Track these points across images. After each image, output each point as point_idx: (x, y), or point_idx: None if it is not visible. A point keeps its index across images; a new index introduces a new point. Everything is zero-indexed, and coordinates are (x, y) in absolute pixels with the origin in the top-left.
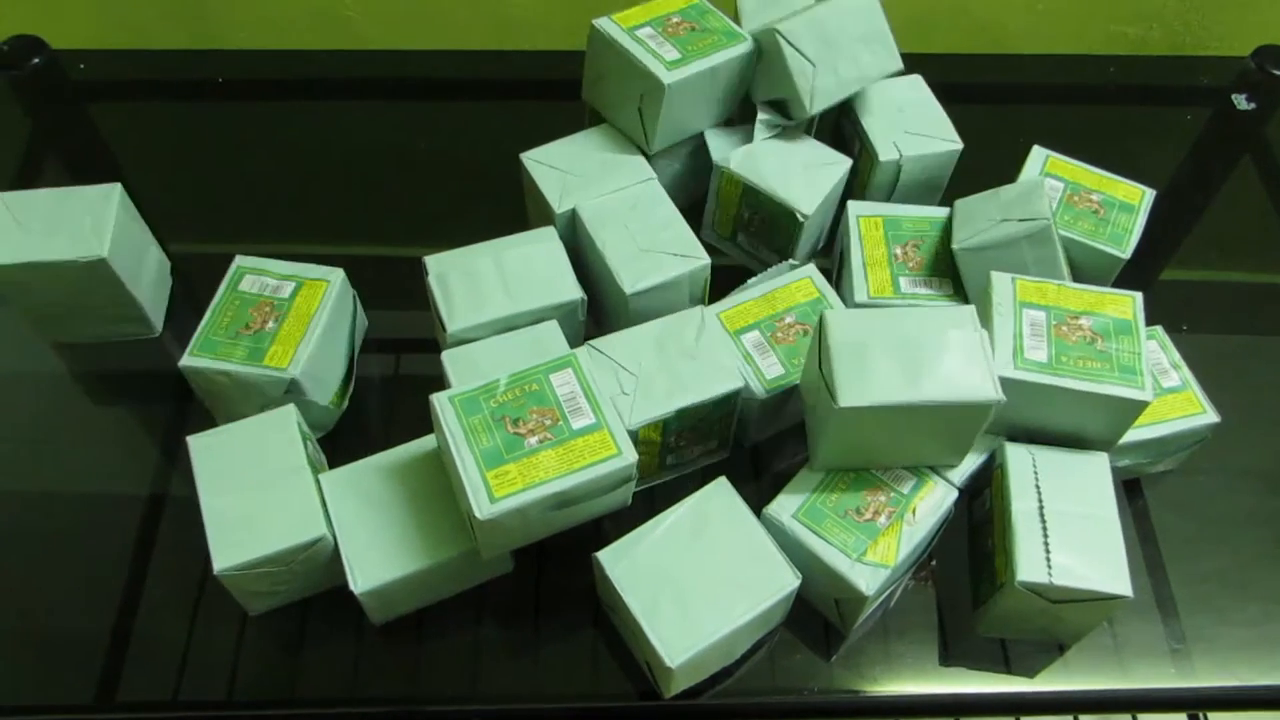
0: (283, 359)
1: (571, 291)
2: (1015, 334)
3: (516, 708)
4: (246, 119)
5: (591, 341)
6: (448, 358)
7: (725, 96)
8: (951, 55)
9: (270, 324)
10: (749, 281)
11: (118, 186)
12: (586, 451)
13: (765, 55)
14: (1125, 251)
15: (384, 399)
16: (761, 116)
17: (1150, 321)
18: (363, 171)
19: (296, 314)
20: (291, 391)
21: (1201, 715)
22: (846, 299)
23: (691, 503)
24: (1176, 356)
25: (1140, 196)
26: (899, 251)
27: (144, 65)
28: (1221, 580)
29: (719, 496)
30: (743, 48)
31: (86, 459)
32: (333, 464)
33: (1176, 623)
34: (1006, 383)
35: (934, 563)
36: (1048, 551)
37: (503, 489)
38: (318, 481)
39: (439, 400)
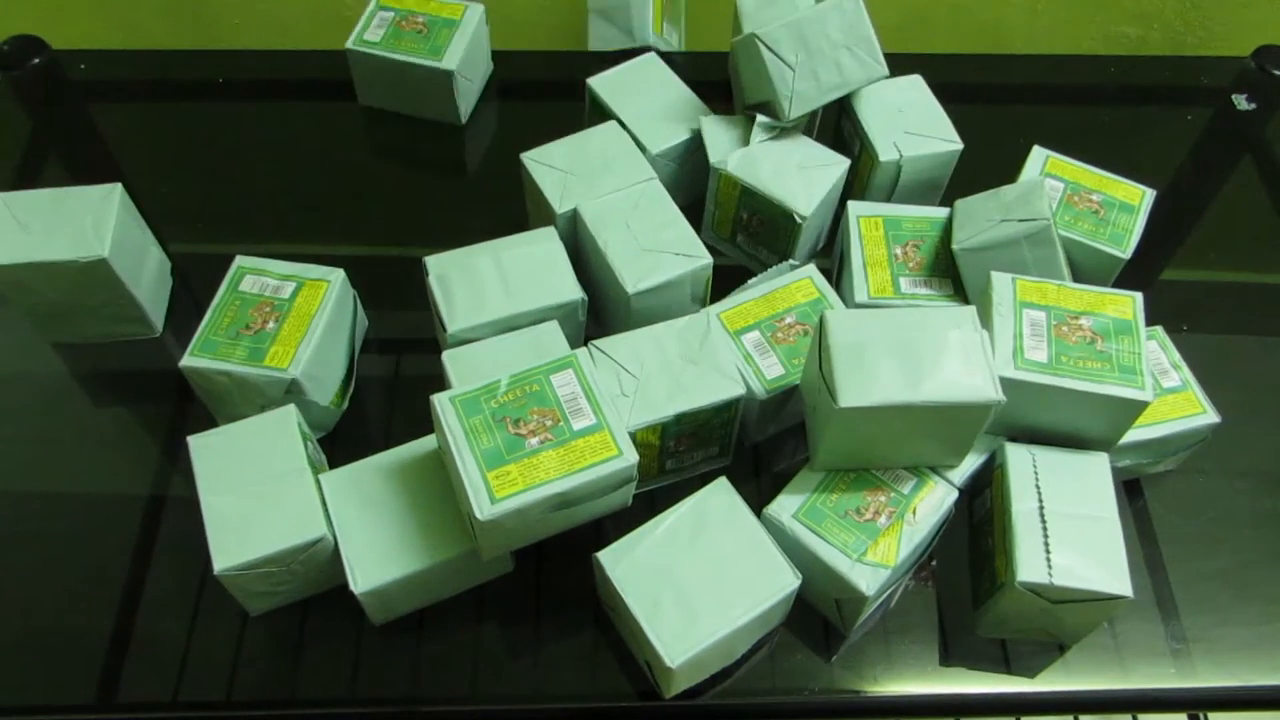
0: (283, 359)
1: (572, 292)
2: (1015, 334)
3: (516, 708)
4: (246, 119)
5: (594, 341)
6: (448, 358)
7: None
8: (951, 55)
9: (271, 324)
10: (749, 282)
11: (118, 187)
12: (587, 452)
13: (748, 60)
14: (1125, 251)
15: (384, 399)
16: (759, 119)
17: (1150, 321)
18: (363, 171)
19: (297, 314)
20: (292, 392)
21: (1201, 715)
22: (847, 299)
23: (692, 503)
24: (1176, 356)
25: (1140, 196)
26: (899, 252)
27: (144, 65)
28: (1222, 580)
29: (719, 496)
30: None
31: (86, 459)
32: (333, 464)
33: (1176, 623)
34: (1007, 383)
35: (934, 563)
36: (1048, 552)
37: (503, 490)
38: (318, 482)
39: (440, 401)
